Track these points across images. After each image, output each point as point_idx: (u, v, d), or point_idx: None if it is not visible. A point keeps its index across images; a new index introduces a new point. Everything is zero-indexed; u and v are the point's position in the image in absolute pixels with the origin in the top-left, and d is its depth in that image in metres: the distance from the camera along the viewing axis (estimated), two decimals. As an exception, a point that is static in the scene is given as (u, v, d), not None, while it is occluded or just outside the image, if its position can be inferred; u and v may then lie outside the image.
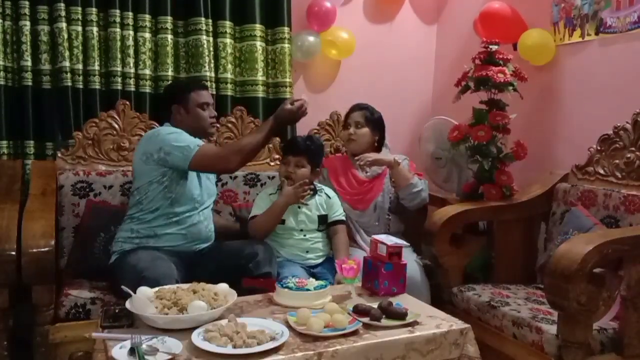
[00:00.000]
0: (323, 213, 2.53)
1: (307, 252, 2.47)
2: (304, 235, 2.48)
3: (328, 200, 2.56)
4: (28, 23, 2.60)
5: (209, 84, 2.91)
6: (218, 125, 2.68)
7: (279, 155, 2.95)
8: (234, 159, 2.22)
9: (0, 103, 2.60)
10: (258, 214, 2.44)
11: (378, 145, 2.76)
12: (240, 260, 2.20)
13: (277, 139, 2.97)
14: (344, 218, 2.57)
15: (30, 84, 2.63)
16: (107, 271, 2.27)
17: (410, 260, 2.40)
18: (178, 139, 2.22)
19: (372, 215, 2.70)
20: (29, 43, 2.61)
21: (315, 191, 2.53)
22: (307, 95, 2.37)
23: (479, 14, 2.96)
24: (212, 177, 2.50)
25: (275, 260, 2.30)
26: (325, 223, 2.53)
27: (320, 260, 2.48)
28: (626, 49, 2.53)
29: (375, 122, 2.73)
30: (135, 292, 1.71)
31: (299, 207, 2.47)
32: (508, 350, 2.11)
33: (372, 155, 2.63)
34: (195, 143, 2.22)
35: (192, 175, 2.31)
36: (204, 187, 2.38)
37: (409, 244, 2.12)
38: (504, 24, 2.92)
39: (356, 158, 2.64)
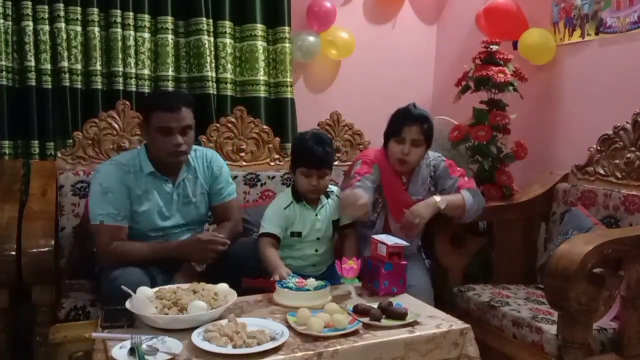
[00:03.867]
0: (335, 218, 2.30)
1: (313, 265, 2.30)
2: (316, 251, 2.28)
3: (339, 202, 2.29)
4: (31, 23, 2.60)
5: (209, 83, 2.92)
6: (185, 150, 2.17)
7: (279, 155, 2.94)
8: (105, 258, 2.05)
9: (3, 103, 2.61)
10: (269, 232, 2.19)
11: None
12: (248, 262, 2.19)
13: (278, 139, 2.96)
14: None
15: (33, 84, 2.63)
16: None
17: (421, 268, 2.35)
18: (94, 198, 2.08)
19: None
20: (31, 43, 2.61)
21: (327, 195, 2.30)
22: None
23: (484, 9, 2.96)
24: (198, 202, 2.28)
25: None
26: (336, 227, 2.32)
27: (322, 271, 2.33)
28: (626, 49, 2.53)
29: (431, 134, 2.36)
30: (134, 292, 1.70)
31: (316, 215, 2.26)
32: (508, 350, 2.11)
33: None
34: (99, 217, 2.04)
35: (151, 204, 2.15)
36: (175, 216, 2.21)
37: (408, 244, 2.10)
38: (507, 19, 2.92)
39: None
